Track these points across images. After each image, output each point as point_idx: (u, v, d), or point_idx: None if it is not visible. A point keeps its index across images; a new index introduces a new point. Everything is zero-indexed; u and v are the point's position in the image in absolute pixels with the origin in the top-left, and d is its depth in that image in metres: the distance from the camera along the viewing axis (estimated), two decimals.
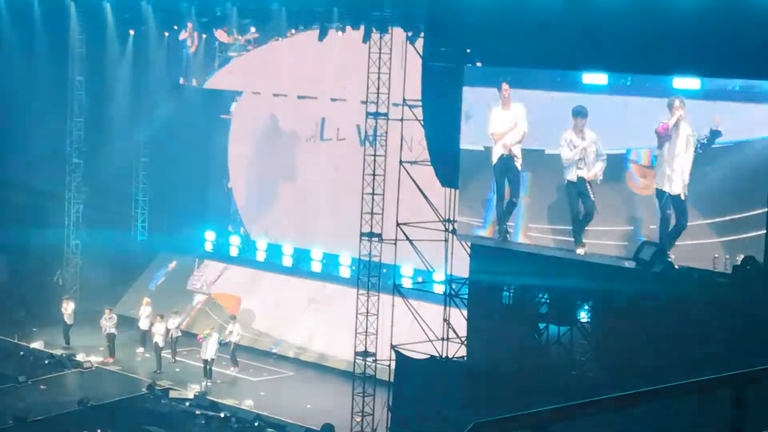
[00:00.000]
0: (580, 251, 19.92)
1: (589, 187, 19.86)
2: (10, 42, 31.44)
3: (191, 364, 28.09)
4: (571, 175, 19.96)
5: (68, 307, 29.21)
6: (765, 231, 17.87)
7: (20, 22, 31.38)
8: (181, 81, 33.01)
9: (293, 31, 28.98)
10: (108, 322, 28.32)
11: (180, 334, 28.33)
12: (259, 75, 31.38)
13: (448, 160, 21.87)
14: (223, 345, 27.49)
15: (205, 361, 27.01)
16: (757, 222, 18.02)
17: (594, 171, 19.77)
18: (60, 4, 31.23)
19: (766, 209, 17.87)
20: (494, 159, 21.03)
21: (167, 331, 27.92)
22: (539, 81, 20.57)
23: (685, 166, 18.66)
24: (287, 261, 31.69)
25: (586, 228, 19.94)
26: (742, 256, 18.00)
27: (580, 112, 19.80)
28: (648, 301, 19.35)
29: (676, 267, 18.82)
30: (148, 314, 28.69)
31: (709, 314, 18.41)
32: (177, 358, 28.20)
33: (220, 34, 30.79)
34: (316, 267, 31.05)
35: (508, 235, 20.99)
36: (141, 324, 28.78)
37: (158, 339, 27.70)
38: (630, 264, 19.10)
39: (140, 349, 28.65)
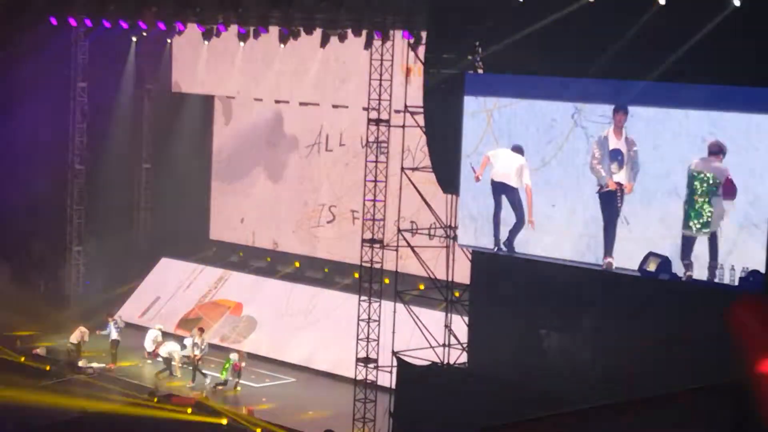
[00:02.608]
0: (606, 262, 19.71)
1: (619, 196, 19.44)
2: (13, 47, 31.45)
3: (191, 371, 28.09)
4: (606, 182, 19.71)
5: (84, 335, 28.92)
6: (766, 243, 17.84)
7: (23, 28, 31.41)
8: (182, 86, 33.07)
9: (293, 38, 28.92)
10: (112, 329, 28.30)
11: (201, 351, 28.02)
12: (261, 81, 31.39)
13: (449, 167, 21.89)
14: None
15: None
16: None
17: (628, 179, 19.30)
18: (62, 10, 31.24)
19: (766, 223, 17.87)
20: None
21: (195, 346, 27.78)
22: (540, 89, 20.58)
23: None
24: (289, 267, 31.66)
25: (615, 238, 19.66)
26: (747, 268, 17.94)
27: (620, 107, 19.25)
28: (651, 310, 19.35)
29: (683, 278, 18.75)
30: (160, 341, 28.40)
31: (713, 324, 18.33)
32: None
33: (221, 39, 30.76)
34: (318, 273, 31.04)
35: (506, 243, 21.01)
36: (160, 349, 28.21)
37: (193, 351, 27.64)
38: (636, 274, 19.08)
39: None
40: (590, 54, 19.62)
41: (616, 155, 19.44)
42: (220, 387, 26.76)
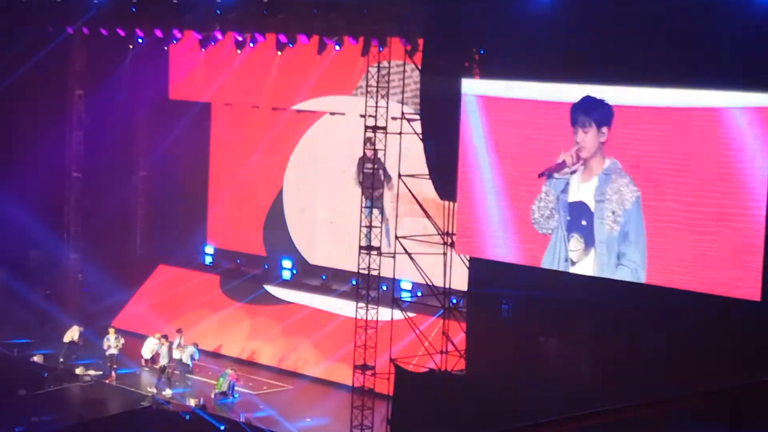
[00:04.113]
0: None
1: None
2: (10, 56, 31.48)
3: (192, 377, 28.08)
4: None
5: (74, 334, 28.93)
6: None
7: (21, 36, 31.43)
8: (178, 94, 33.11)
9: (291, 45, 28.97)
10: (113, 342, 28.22)
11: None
12: (258, 89, 31.41)
13: (446, 173, 21.92)
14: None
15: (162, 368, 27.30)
16: None
17: None
18: (59, 18, 31.25)
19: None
20: None
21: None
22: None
23: None
24: (286, 274, 31.66)
25: None
26: None
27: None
28: (647, 316, 19.37)
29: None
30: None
31: (709, 333, 18.34)
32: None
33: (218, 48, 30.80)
34: (315, 280, 31.04)
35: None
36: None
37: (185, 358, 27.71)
38: (631, 281, 19.14)
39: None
40: (589, 58, 19.68)
41: None
42: (219, 395, 26.79)
